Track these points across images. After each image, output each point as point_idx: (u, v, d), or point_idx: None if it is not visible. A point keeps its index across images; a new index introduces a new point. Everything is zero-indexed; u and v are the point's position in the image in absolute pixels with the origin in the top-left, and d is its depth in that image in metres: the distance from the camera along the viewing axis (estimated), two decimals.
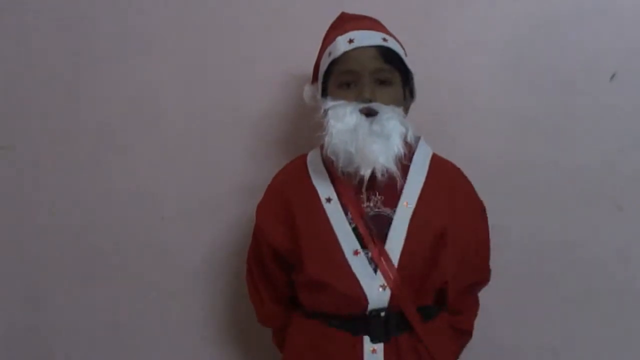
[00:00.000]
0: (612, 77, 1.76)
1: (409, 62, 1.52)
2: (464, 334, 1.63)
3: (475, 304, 1.66)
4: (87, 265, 1.92)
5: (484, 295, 1.68)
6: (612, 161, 1.79)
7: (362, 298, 1.43)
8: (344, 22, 1.55)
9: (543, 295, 1.84)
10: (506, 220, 1.76)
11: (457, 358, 1.63)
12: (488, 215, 1.61)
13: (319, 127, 1.48)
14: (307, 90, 1.60)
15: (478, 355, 1.76)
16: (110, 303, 1.92)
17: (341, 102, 1.46)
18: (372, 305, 1.44)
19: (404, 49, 1.54)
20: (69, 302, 1.93)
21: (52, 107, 1.90)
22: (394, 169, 1.43)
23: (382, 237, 1.46)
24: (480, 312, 1.68)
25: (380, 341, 1.44)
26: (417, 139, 1.55)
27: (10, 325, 1.95)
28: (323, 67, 1.53)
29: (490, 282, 1.65)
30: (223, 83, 1.84)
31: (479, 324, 1.67)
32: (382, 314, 1.44)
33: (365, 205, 1.48)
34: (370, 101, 1.44)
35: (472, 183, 1.60)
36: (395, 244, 1.45)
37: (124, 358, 1.94)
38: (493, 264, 1.64)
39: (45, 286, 1.94)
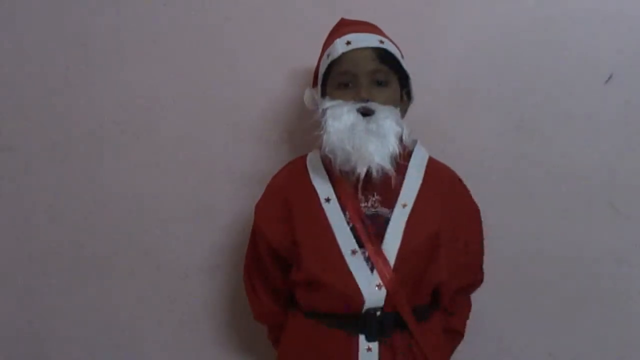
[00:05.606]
0: (609, 79, 1.76)
1: (406, 64, 1.54)
2: (456, 335, 1.65)
3: (468, 305, 1.67)
4: (84, 267, 1.91)
5: (480, 298, 1.68)
6: (608, 163, 1.78)
7: (359, 297, 1.44)
8: (343, 27, 1.57)
9: (539, 298, 1.83)
10: (502, 223, 1.77)
11: (449, 358, 1.64)
12: (484, 218, 1.61)
13: (318, 128, 1.49)
14: (307, 94, 1.60)
15: (474, 359, 1.78)
16: (107, 304, 1.91)
17: (339, 101, 1.47)
18: (368, 304, 1.44)
19: (401, 52, 1.55)
20: (66, 303, 1.92)
21: (49, 109, 1.89)
22: (388, 167, 1.44)
23: (379, 236, 1.47)
24: (476, 316, 1.68)
25: (375, 340, 1.45)
26: (414, 142, 1.56)
27: (7, 327, 1.94)
28: (322, 69, 1.54)
29: (486, 285, 1.66)
30: (221, 84, 1.84)
31: (476, 327, 1.68)
32: (378, 313, 1.45)
33: (363, 205, 1.49)
34: (367, 101, 1.46)
35: (468, 184, 1.61)
36: (391, 244, 1.46)
37: None
38: (489, 266, 1.64)
39: (42, 288, 1.92)
